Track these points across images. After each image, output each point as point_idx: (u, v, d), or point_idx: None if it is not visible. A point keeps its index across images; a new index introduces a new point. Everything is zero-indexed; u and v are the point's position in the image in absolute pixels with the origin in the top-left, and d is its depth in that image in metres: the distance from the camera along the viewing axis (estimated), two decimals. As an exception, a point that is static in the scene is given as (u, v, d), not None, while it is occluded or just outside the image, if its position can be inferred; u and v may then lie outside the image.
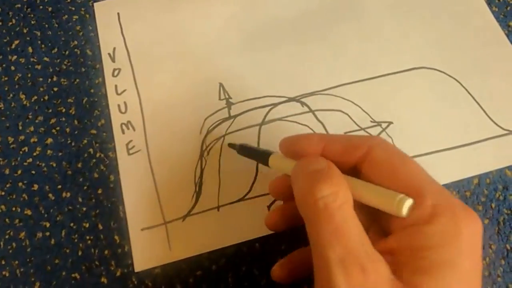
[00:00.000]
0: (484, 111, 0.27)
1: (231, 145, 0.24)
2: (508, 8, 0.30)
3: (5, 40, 0.30)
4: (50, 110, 0.28)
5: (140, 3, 0.31)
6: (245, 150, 0.23)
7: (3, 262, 0.24)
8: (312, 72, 0.28)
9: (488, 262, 0.24)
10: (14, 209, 0.25)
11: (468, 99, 0.27)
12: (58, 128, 0.27)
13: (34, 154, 0.27)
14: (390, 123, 0.27)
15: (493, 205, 0.25)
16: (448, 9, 0.30)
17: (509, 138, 0.26)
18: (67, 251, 0.24)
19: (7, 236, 0.25)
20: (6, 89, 0.29)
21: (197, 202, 0.25)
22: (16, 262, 0.24)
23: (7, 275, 0.24)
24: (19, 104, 0.28)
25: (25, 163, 0.26)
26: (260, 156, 0.22)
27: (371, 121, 0.27)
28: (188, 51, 0.29)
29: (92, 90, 0.28)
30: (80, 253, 0.24)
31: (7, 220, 0.25)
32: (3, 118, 0.28)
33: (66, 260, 0.24)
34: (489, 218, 0.25)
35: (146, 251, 0.24)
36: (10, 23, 0.31)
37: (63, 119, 0.28)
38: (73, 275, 0.24)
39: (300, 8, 0.30)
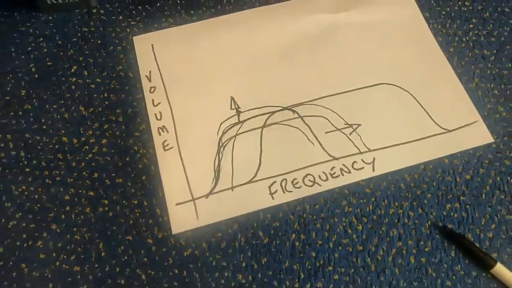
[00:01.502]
0: (429, 115, 0.36)
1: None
2: (450, 38, 0.40)
3: (66, 66, 0.39)
4: (103, 118, 0.37)
5: (168, 37, 0.40)
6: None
7: (74, 229, 0.33)
8: (301, 88, 0.37)
9: (427, 227, 0.33)
10: (80, 191, 0.34)
11: (417, 106, 0.37)
12: (110, 132, 0.36)
13: (93, 151, 0.36)
14: (359, 125, 0.36)
15: (434, 184, 0.34)
16: (400, 39, 0.39)
17: (447, 135, 0.35)
18: (122, 220, 0.33)
19: (76, 211, 0.33)
20: (69, 103, 0.38)
21: (216, 184, 0.34)
22: (84, 229, 0.33)
23: (78, 238, 0.33)
24: (79, 115, 0.37)
25: (86, 158, 0.35)
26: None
27: (344, 124, 0.36)
28: (207, 72, 0.38)
29: (134, 103, 0.37)
30: (131, 222, 0.33)
31: (75, 199, 0.34)
32: (68, 125, 0.37)
33: (121, 227, 0.33)
34: (431, 193, 0.34)
35: (180, 219, 0.33)
36: (69, 53, 0.40)
37: (114, 125, 0.37)
38: (126, 237, 0.33)
39: (292, 37, 0.40)
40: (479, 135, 0.36)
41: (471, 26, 0.40)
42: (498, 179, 0.34)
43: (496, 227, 0.33)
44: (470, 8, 0.41)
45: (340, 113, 0.36)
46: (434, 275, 0.31)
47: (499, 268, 0.30)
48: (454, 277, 0.31)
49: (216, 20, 0.41)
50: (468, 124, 0.36)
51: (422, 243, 0.32)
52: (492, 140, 0.35)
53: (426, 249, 0.32)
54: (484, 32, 0.40)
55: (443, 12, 0.41)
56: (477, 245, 0.32)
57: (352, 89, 0.37)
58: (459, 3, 0.42)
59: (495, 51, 0.39)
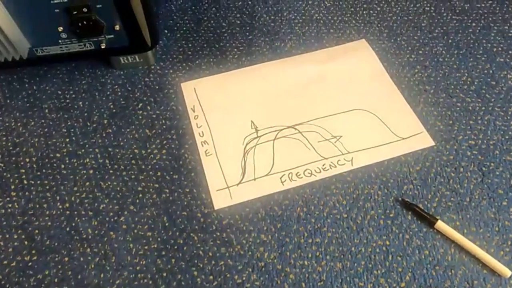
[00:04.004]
0: (389, 129, 0.52)
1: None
2: (401, 79, 0.57)
3: (134, 103, 0.56)
4: (163, 137, 0.53)
5: (205, 83, 0.57)
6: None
7: (146, 209, 0.47)
8: (300, 113, 0.54)
9: (391, 201, 0.47)
10: (149, 184, 0.49)
11: (380, 123, 0.53)
12: (167, 145, 0.52)
13: (157, 157, 0.51)
14: (341, 136, 0.52)
15: (395, 173, 0.49)
16: (367, 80, 0.57)
17: (402, 141, 0.51)
18: (179, 202, 0.47)
19: (147, 197, 0.48)
20: (138, 127, 0.54)
21: (243, 177, 0.49)
22: (153, 208, 0.47)
23: (149, 214, 0.47)
24: (145, 135, 0.53)
25: (152, 163, 0.51)
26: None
27: (331, 136, 0.52)
28: (233, 104, 0.55)
29: (184, 126, 0.54)
30: (185, 203, 0.47)
31: (146, 189, 0.49)
32: (138, 141, 0.52)
33: (179, 206, 0.47)
34: (393, 179, 0.48)
35: (219, 200, 0.47)
36: (136, 95, 0.57)
37: (170, 141, 0.52)
38: (183, 213, 0.47)
39: (293, 79, 0.57)
40: (424, 141, 0.51)
41: (416, 71, 0.58)
42: (439, 169, 0.49)
43: (438, 200, 0.47)
44: (415, 59, 0.59)
45: (327, 129, 0.52)
46: (397, 232, 0.45)
47: (440, 224, 0.44)
48: (411, 233, 0.45)
49: (239, 71, 0.59)
50: (416, 134, 0.52)
51: (387, 211, 0.46)
52: (433, 144, 0.51)
53: (391, 215, 0.46)
54: (425, 74, 0.57)
55: (396, 62, 0.59)
56: (425, 211, 0.46)
57: (335, 113, 0.54)
58: (407, 55, 0.59)
59: (433, 86, 0.56)
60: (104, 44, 0.53)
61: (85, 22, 0.49)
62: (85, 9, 0.48)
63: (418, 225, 0.45)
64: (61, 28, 0.50)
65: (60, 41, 0.51)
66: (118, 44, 0.53)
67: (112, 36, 0.52)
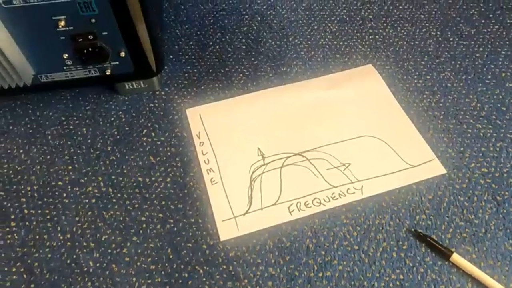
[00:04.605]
0: (399, 156, 0.51)
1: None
2: (410, 104, 0.56)
3: (139, 130, 0.55)
4: (167, 164, 0.52)
5: (211, 109, 0.57)
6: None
7: (149, 240, 0.46)
8: (307, 140, 0.53)
9: (404, 232, 0.45)
10: (153, 213, 0.47)
11: (390, 151, 0.51)
12: (172, 173, 0.51)
13: (161, 186, 0.50)
14: (350, 164, 0.51)
15: (406, 202, 0.47)
16: (375, 106, 0.56)
17: (413, 169, 0.50)
18: (183, 233, 0.46)
19: (150, 227, 0.46)
20: (142, 154, 0.53)
21: (250, 206, 0.48)
22: (156, 239, 0.46)
23: (152, 246, 0.45)
24: (149, 162, 0.52)
25: (156, 191, 0.49)
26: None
27: (339, 163, 0.51)
28: (239, 131, 0.54)
29: (189, 153, 0.53)
30: (190, 233, 0.46)
31: (149, 219, 0.47)
32: (142, 169, 0.51)
33: (183, 237, 0.46)
34: (405, 209, 0.47)
35: (225, 231, 0.46)
36: (141, 121, 0.56)
37: (175, 168, 0.51)
38: (187, 244, 0.45)
39: (299, 106, 0.56)
40: (435, 168, 0.50)
41: (424, 96, 0.57)
42: (452, 198, 0.48)
43: (452, 230, 0.45)
44: (423, 84, 0.58)
45: (335, 156, 0.51)
46: (411, 265, 0.43)
47: (456, 257, 0.43)
48: (425, 266, 0.43)
49: (244, 96, 0.58)
50: (428, 161, 0.51)
51: (400, 243, 0.45)
52: (445, 172, 0.50)
53: (404, 247, 0.44)
54: (434, 100, 0.57)
55: (404, 88, 0.58)
56: (439, 242, 0.44)
57: (343, 140, 0.53)
58: (415, 81, 0.59)
59: (443, 112, 0.55)
60: (109, 71, 0.52)
61: (90, 49, 0.48)
62: (90, 36, 0.47)
63: (432, 258, 0.44)
64: (66, 55, 0.49)
65: (65, 67, 0.51)
66: (123, 70, 0.53)
67: (117, 62, 0.51)
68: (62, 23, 0.45)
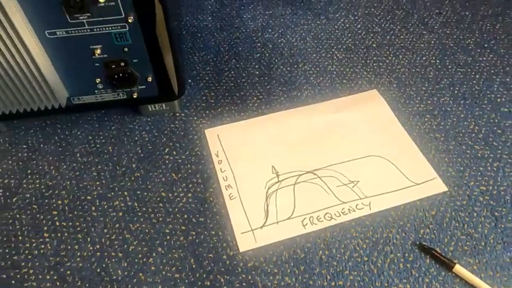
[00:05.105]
0: (404, 175, 0.55)
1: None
2: (412, 127, 0.61)
3: (161, 149, 0.59)
4: (188, 181, 0.55)
5: (228, 129, 0.61)
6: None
7: (173, 250, 0.49)
8: (318, 159, 0.57)
9: (409, 245, 0.49)
10: (176, 226, 0.51)
11: (395, 169, 0.56)
12: (193, 189, 0.55)
13: (183, 201, 0.53)
14: (358, 181, 0.55)
15: (411, 217, 0.51)
16: (380, 128, 0.60)
17: (416, 186, 0.54)
18: (205, 244, 0.49)
19: (174, 239, 0.50)
20: (165, 171, 0.57)
21: (266, 220, 0.51)
22: (180, 250, 0.49)
23: (176, 256, 0.49)
24: (172, 179, 0.56)
25: (179, 205, 0.53)
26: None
27: (348, 181, 0.55)
28: (254, 150, 0.58)
29: (208, 171, 0.56)
30: (211, 245, 0.49)
31: (173, 231, 0.51)
32: (165, 185, 0.55)
33: (205, 248, 0.49)
34: (410, 223, 0.51)
35: (244, 242, 0.49)
36: (163, 140, 0.60)
37: (195, 184, 0.55)
38: (209, 255, 0.49)
39: (310, 127, 0.60)
40: (437, 186, 0.54)
41: (426, 119, 0.61)
42: (453, 213, 0.51)
43: (454, 244, 0.49)
44: (424, 108, 0.63)
45: (345, 174, 0.55)
46: (417, 275, 0.47)
47: (458, 268, 0.46)
48: (430, 276, 0.46)
49: (259, 118, 0.62)
50: (430, 180, 0.55)
51: (406, 254, 0.48)
52: (447, 189, 0.53)
53: (410, 259, 0.48)
54: (435, 122, 0.61)
55: (407, 111, 0.63)
56: (443, 255, 0.48)
57: (351, 159, 0.57)
58: (417, 105, 0.63)
59: (443, 134, 0.60)
60: (136, 94, 0.57)
61: (121, 75, 0.53)
62: (122, 63, 0.52)
63: (436, 269, 0.47)
64: (99, 79, 0.54)
65: (96, 91, 0.55)
66: (149, 94, 0.57)
67: (144, 86, 0.56)
68: (98, 51, 0.50)
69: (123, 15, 0.47)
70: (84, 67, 0.52)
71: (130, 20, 0.47)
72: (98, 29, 0.48)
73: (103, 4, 0.45)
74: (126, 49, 0.51)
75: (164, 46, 0.52)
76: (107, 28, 0.48)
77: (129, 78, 0.54)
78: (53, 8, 0.45)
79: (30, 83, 0.50)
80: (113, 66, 0.52)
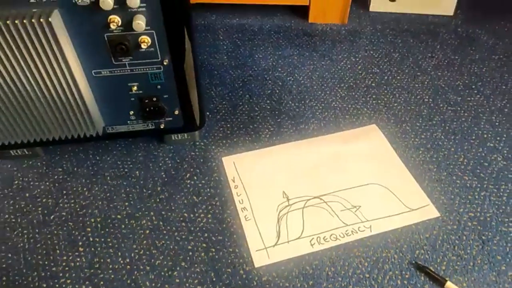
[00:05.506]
0: (400, 201, 0.62)
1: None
2: (407, 159, 0.68)
3: (183, 174, 0.66)
4: (208, 203, 0.62)
5: (243, 157, 0.68)
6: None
7: (195, 265, 0.55)
8: (324, 185, 0.64)
9: (406, 263, 0.55)
10: (198, 243, 0.57)
11: (392, 196, 0.62)
12: (212, 211, 0.61)
13: (203, 221, 0.60)
14: (360, 206, 0.61)
15: (407, 239, 0.57)
16: (379, 159, 0.67)
17: (412, 212, 0.60)
18: (223, 260, 0.55)
19: (196, 255, 0.56)
20: (187, 194, 0.63)
21: (278, 239, 0.57)
22: (201, 265, 0.55)
23: (198, 270, 0.54)
24: (193, 201, 0.62)
25: (200, 225, 0.59)
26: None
27: (351, 206, 0.61)
28: (267, 176, 0.65)
29: (225, 194, 0.63)
30: (229, 261, 0.55)
31: (195, 248, 0.57)
32: (187, 207, 0.61)
33: (224, 264, 0.55)
34: (407, 244, 0.57)
35: (259, 258, 0.55)
36: (184, 166, 0.67)
37: (214, 206, 0.61)
38: (227, 270, 0.54)
39: (318, 157, 0.67)
40: (430, 212, 0.60)
41: (420, 152, 0.69)
42: (445, 236, 0.58)
43: (446, 263, 0.55)
44: (418, 142, 0.70)
45: (348, 199, 0.62)
46: (413, 291, 0.52)
47: (449, 285, 0.52)
48: (424, 292, 0.52)
49: (270, 148, 0.70)
50: (424, 206, 0.61)
51: (403, 272, 0.54)
52: (439, 215, 0.60)
53: (407, 276, 0.54)
54: (428, 155, 0.68)
55: (403, 144, 0.70)
56: (436, 272, 0.54)
57: (353, 186, 0.64)
58: (412, 139, 0.71)
59: (435, 166, 0.67)
60: (163, 125, 0.64)
61: (152, 108, 0.61)
62: (154, 98, 0.60)
63: (430, 285, 0.53)
64: (132, 112, 0.61)
65: (128, 121, 0.63)
66: (174, 125, 0.65)
67: (171, 118, 0.64)
68: (135, 88, 0.58)
69: (160, 58, 0.55)
70: (121, 101, 0.60)
71: (165, 63, 0.55)
72: (137, 70, 0.56)
73: (144, 50, 0.53)
74: (159, 87, 0.58)
75: (191, 84, 0.60)
76: (144, 69, 0.56)
77: (159, 111, 0.61)
78: (101, 52, 0.53)
79: (74, 113, 0.57)
80: (146, 101, 0.60)
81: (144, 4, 0.49)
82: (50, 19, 0.46)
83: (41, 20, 0.46)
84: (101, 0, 0.46)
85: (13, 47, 0.48)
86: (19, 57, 0.49)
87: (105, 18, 0.49)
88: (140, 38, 0.52)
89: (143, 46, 0.52)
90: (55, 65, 0.51)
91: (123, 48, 0.52)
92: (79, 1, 0.47)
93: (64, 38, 0.49)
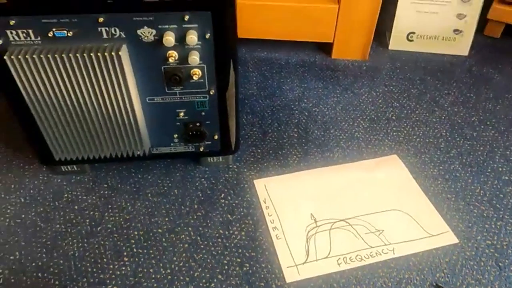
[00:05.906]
0: (421, 227, 0.66)
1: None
2: (428, 186, 0.72)
3: (217, 194, 0.71)
4: (241, 221, 0.67)
5: (274, 181, 0.73)
6: None
7: (231, 278, 0.59)
8: (350, 209, 0.68)
9: (427, 285, 0.59)
10: (233, 258, 0.62)
11: (414, 222, 0.67)
12: (245, 229, 0.66)
13: (238, 237, 0.64)
14: (383, 230, 0.66)
15: (428, 263, 0.61)
16: (400, 187, 0.72)
17: (432, 237, 0.64)
18: (257, 275, 0.60)
19: (231, 269, 0.60)
20: (221, 213, 0.68)
21: (307, 258, 0.62)
22: (236, 278, 0.59)
23: (234, 283, 0.59)
24: (227, 219, 0.67)
25: (234, 241, 0.64)
26: None
27: (375, 229, 0.66)
28: (296, 199, 0.70)
29: (257, 214, 0.68)
30: (262, 276, 0.60)
31: (230, 262, 0.61)
32: (222, 224, 0.66)
33: (257, 278, 0.59)
34: (428, 267, 0.61)
35: (289, 275, 0.59)
36: (219, 187, 0.72)
37: (247, 225, 0.66)
38: (260, 284, 0.59)
39: (345, 182, 0.72)
40: (450, 238, 0.64)
41: (438, 182, 0.73)
42: (464, 261, 0.62)
43: (465, 287, 0.59)
44: (437, 173, 0.75)
45: (371, 223, 0.66)
46: (434, 311, 0.56)
47: (469, 306, 0.56)
48: (445, 312, 0.56)
49: (299, 173, 0.75)
50: (443, 232, 0.65)
51: (425, 293, 0.58)
52: (458, 241, 0.64)
53: (428, 297, 0.58)
54: (447, 185, 0.73)
55: (422, 174, 0.75)
56: (456, 295, 0.57)
57: (376, 211, 0.68)
58: (431, 170, 0.76)
59: (454, 196, 0.71)
60: (202, 148, 0.70)
61: (195, 132, 0.67)
62: (198, 124, 0.66)
63: (451, 306, 0.56)
64: (176, 135, 0.68)
65: (172, 143, 0.69)
66: (212, 148, 0.71)
67: (210, 142, 0.70)
68: (182, 114, 0.64)
69: (207, 88, 0.62)
70: (168, 125, 0.66)
71: (211, 93, 0.62)
72: (185, 98, 0.62)
73: (194, 81, 0.60)
74: (203, 113, 0.65)
75: (231, 111, 0.67)
76: (192, 97, 0.62)
77: (201, 135, 0.67)
78: (157, 81, 0.60)
79: (127, 134, 0.64)
80: (191, 126, 0.66)
81: (200, 42, 0.56)
82: (120, 53, 0.53)
83: (112, 53, 0.53)
84: (165, 38, 0.53)
85: (84, 74, 0.55)
86: (87, 82, 0.56)
87: (164, 53, 0.56)
88: (192, 70, 0.58)
89: (194, 77, 0.59)
90: (117, 91, 0.57)
91: (176, 79, 0.59)
92: (145, 38, 0.54)
93: (128, 68, 0.56)
